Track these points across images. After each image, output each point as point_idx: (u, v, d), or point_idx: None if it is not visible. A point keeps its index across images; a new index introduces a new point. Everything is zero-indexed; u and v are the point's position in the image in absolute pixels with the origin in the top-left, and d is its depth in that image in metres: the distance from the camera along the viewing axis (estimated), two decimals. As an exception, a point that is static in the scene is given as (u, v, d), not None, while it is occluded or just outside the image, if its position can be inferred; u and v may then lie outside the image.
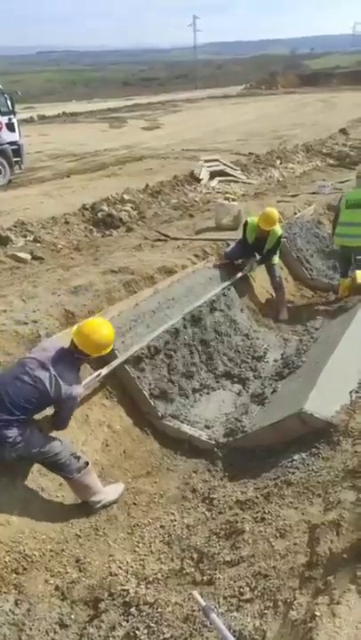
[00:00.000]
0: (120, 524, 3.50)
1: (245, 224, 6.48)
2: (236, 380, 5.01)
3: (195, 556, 2.96)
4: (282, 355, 5.42)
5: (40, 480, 3.53)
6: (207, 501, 3.53)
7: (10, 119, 16.87)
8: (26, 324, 4.44)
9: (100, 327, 3.40)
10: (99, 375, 4.08)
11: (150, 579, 2.93)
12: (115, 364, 4.20)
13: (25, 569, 3.10)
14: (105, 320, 3.57)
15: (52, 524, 3.41)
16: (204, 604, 1.96)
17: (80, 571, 3.14)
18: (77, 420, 4.03)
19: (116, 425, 4.26)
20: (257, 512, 2.99)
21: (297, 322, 6.43)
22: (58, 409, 3.43)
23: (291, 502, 2.92)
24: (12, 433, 3.12)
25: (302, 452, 3.41)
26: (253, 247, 6.44)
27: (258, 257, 6.52)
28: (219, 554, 2.81)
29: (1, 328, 4.27)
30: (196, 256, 6.47)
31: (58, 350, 3.37)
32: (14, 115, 17.28)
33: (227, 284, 5.96)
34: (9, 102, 16.84)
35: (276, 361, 5.33)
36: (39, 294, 5.16)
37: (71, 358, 3.35)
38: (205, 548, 2.94)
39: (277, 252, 6.48)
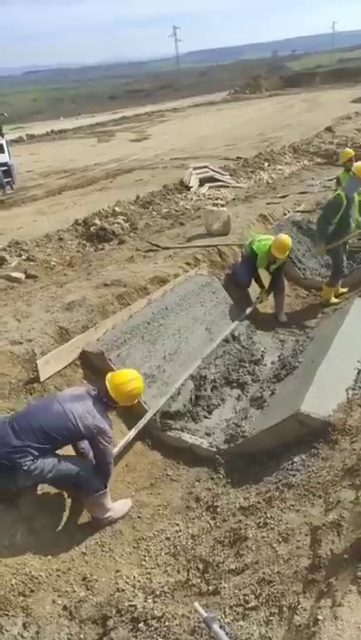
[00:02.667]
0: (125, 539, 3.48)
1: (252, 250, 6.23)
2: (234, 384, 5.00)
3: (200, 566, 2.94)
4: (279, 356, 5.42)
5: (42, 499, 3.51)
6: (211, 510, 3.51)
7: (-2, 141, 17.06)
8: (21, 343, 4.45)
9: (132, 379, 3.49)
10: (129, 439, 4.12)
11: (157, 592, 2.92)
12: (140, 424, 4.22)
13: (32, 590, 3.07)
14: (138, 374, 3.63)
15: (56, 542, 3.39)
16: (205, 615, 1.95)
17: (87, 589, 3.12)
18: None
19: (117, 439, 4.24)
20: (260, 517, 2.98)
21: (293, 322, 6.43)
22: (93, 449, 3.43)
23: (292, 505, 2.90)
24: (28, 461, 3.12)
25: (302, 453, 3.40)
26: (266, 270, 6.47)
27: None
28: (223, 562, 2.80)
29: (-3, 350, 4.28)
30: (187, 264, 6.49)
31: (88, 391, 3.49)
32: (2, 136, 17.50)
33: (243, 316, 6.02)
34: (-4, 125, 17.05)
35: (273, 363, 5.33)
36: (33, 313, 5.18)
37: (100, 401, 3.42)
38: (210, 558, 2.92)
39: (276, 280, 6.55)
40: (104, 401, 3.42)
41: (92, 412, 3.29)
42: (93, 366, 4.46)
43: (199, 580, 2.83)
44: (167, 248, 7.30)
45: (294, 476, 3.20)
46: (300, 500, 2.92)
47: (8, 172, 17.39)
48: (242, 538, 2.87)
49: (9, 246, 11.07)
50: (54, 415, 3.21)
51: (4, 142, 17.36)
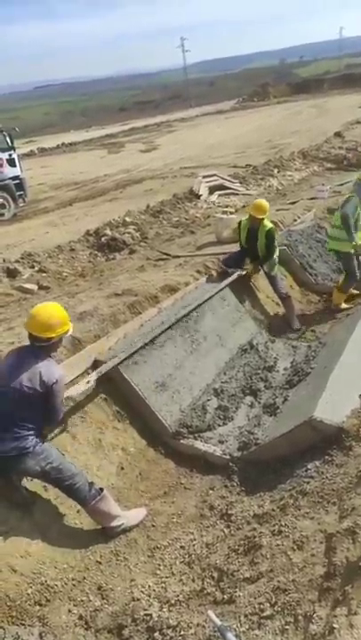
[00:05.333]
0: (140, 548, 3.48)
1: (238, 224, 6.55)
2: (247, 391, 4.98)
3: (215, 574, 2.93)
4: (291, 363, 5.39)
5: (57, 507, 3.53)
6: (225, 518, 3.50)
7: (10, 155, 17.31)
8: (34, 353, 4.50)
9: (46, 307, 3.37)
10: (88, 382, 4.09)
11: (172, 601, 2.91)
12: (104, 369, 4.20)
13: (48, 600, 3.08)
14: (51, 302, 3.54)
15: (71, 551, 3.40)
16: (219, 623, 1.95)
17: (102, 598, 3.12)
18: (91, 444, 4.06)
19: (130, 447, 4.26)
20: (274, 525, 2.96)
21: (305, 328, 6.41)
22: (49, 401, 3.27)
23: (307, 513, 2.88)
24: (30, 443, 3.18)
25: (316, 460, 3.38)
26: (249, 250, 6.46)
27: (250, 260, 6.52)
28: (238, 571, 2.78)
29: (9, 361, 4.33)
30: (198, 272, 6.52)
31: (18, 353, 3.36)
32: (14, 150, 17.73)
33: (222, 286, 5.95)
34: (8, 139, 17.31)
35: (286, 369, 5.30)
36: (46, 324, 5.22)
37: (34, 351, 3.28)
38: (225, 566, 2.91)
39: (274, 258, 6.43)
40: (38, 346, 3.26)
41: (37, 368, 3.17)
42: (106, 375, 4.48)
43: (214, 589, 2.81)
44: (177, 256, 7.34)
45: (308, 483, 3.17)
46: (314, 508, 2.89)
47: (20, 186, 17.60)
48: (256, 546, 2.86)
49: (22, 258, 11.21)
50: (14, 397, 3.15)
51: (15, 156, 17.59)
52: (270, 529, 2.95)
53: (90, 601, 3.11)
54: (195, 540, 3.41)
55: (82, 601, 3.11)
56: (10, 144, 17.35)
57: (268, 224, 6.33)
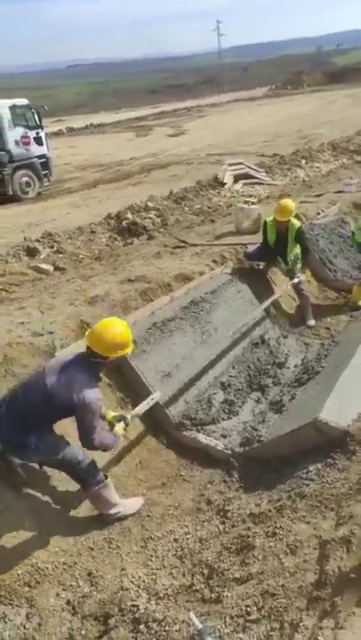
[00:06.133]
0: (133, 537, 3.46)
1: (265, 224, 6.37)
2: (255, 387, 4.90)
3: (205, 571, 2.89)
4: (302, 360, 5.28)
5: (55, 490, 3.52)
6: (222, 514, 3.45)
7: (37, 133, 17.27)
8: (42, 335, 4.49)
9: (113, 325, 3.16)
10: (152, 399, 3.97)
11: (161, 594, 2.88)
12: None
13: (37, 582, 3.09)
14: (120, 319, 3.36)
15: (65, 535, 3.40)
16: (200, 626, 1.90)
17: (92, 585, 3.11)
18: (92, 431, 4.03)
19: (131, 436, 4.23)
20: (269, 526, 2.89)
21: (320, 325, 6.27)
22: (77, 420, 3.17)
23: (303, 516, 2.81)
24: (33, 440, 3.14)
25: (318, 462, 3.29)
26: (276, 249, 6.30)
27: (283, 264, 6.36)
28: (229, 570, 2.74)
29: (18, 340, 4.32)
30: (214, 262, 6.40)
31: (72, 357, 3.25)
32: (42, 128, 17.69)
33: (264, 306, 5.85)
34: (36, 117, 17.26)
35: (296, 366, 5.20)
36: (57, 305, 5.21)
37: (86, 363, 3.15)
38: (216, 564, 2.86)
39: (308, 255, 6.28)
40: (91, 360, 3.11)
41: (73, 379, 3.03)
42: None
43: (203, 586, 2.77)
44: (195, 245, 7.23)
45: (308, 485, 3.09)
46: (311, 512, 2.82)
47: (46, 165, 17.59)
48: (249, 546, 2.80)
49: (42, 237, 11.24)
50: (37, 392, 3.07)
51: (42, 135, 17.55)
52: (265, 530, 2.88)
53: (79, 586, 3.11)
54: (189, 533, 3.38)
55: (71, 586, 3.11)
56: (38, 122, 17.30)
57: (296, 223, 6.17)
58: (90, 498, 3.45)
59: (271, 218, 6.27)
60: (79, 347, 4.31)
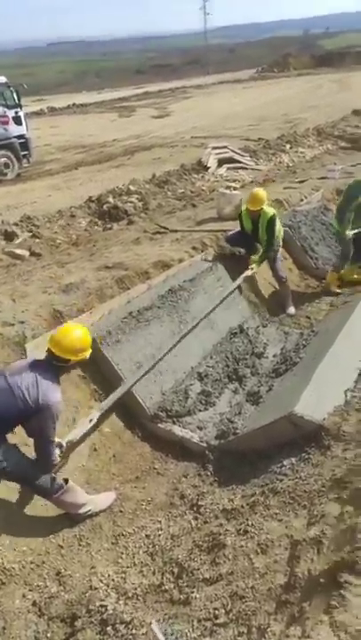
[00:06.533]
0: (104, 534, 3.38)
1: (240, 214, 6.26)
2: (233, 377, 4.81)
3: (175, 570, 2.81)
4: (281, 349, 5.20)
5: (22, 488, 3.41)
6: (195, 508, 3.38)
7: (16, 112, 16.76)
8: (12, 325, 4.33)
9: (73, 330, 3.24)
10: (91, 421, 3.83)
11: (130, 594, 2.81)
12: (105, 405, 3.98)
13: (3, 583, 2.99)
14: (80, 325, 3.42)
15: (34, 534, 3.30)
16: (162, 639, 1.82)
17: (60, 584, 3.03)
18: (64, 424, 3.91)
19: (105, 428, 4.13)
20: (241, 523, 2.82)
21: (300, 314, 6.20)
22: (36, 424, 3.06)
23: (275, 514, 2.74)
24: None
25: (292, 456, 3.23)
26: (253, 236, 6.19)
27: (261, 251, 6.24)
28: (198, 569, 2.66)
29: (-15, 330, 4.16)
30: (194, 248, 6.26)
31: (32, 360, 3.27)
32: (21, 108, 17.16)
33: (235, 285, 5.74)
34: (15, 95, 16.72)
35: (275, 356, 5.12)
36: (30, 293, 5.05)
37: (49, 366, 3.16)
38: (186, 562, 2.79)
39: (276, 240, 6.16)
40: (53, 364, 3.14)
41: (39, 382, 3.01)
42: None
43: (172, 586, 2.70)
44: (175, 231, 7.08)
45: (281, 481, 3.03)
46: (283, 509, 2.75)
47: (25, 145, 17.11)
48: (220, 544, 2.73)
49: (21, 221, 10.94)
50: (1, 393, 2.99)
51: (22, 114, 17.03)
52: (237, 527, 2.81)
53: (46, 587, 3.01)
54: (161, 529, 3.30)
55: (38, 586, 3.02)
56: (17, 101, 16.77)
57: (268, 211, 6.02)
58: (54, 504, 3.34)
59: (245, 207, 6.13)
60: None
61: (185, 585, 2.63)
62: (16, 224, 10.74)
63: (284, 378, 4.46)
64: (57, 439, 3.35)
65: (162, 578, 2.82)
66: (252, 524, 2.74)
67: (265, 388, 4.46)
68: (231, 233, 6.36)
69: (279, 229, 6.16)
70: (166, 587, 2.72)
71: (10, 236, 10.25)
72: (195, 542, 2.95)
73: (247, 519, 2.82)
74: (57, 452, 3.31)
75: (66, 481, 3.31)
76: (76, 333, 3.20)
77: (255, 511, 2.86)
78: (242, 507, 2.98)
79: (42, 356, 3.96)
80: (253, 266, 6.07)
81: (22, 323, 4.35)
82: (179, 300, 5.10)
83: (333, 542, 2.19)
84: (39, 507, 3.44)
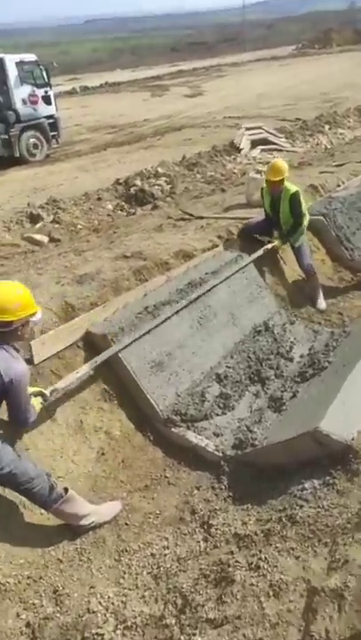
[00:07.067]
0: (107, 549, 3.14)
1: (261, 190, 5.85)
2: (255, 379, 4.48)
3: (179, 601, 2.55)
4: (309, 350, 4.82)
5: (21, 498, 3.20)
6: (205, 527, 3.10)
7: (46, 92, 16.49)
8: (21, 318, 4.10)
9: (6, 287, 2.90)
10: (78, 374, 3.62)
11: (129, 623, 2.57)
12: (99, 359, 3.75)
13: (-3, 599, 2.81)
14: (14, 282, 3.08)
15: (32, 545, 3.10)
16: None
17: (56, 604, 2.82)
18: (70, 426, 3.70)
19: (115, 431, 3.88)
20: (253, 555, 2.53)
21: (331, 310, 5.77)
22: (10, 401, 2.87)
23: (292, 549, 2.43)
24: None
25: (315, 478, 2.90)
26: (274, 218, 5.77)
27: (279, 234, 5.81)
28: (203, 606, 2.39)
29: (-8, 323, 3.94)
30: (219, 237, 5.89)
31: None
32: (50, 87, 16.86)
33: (252, 257, 5.33)
34: (45, 74, 16.40)
35: (302, 357, 4.75)
36: (43, 283, 4.81)
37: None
38: (191, 595, 2.52)
39: (302, 226, 5.72)
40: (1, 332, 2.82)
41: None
42: (97, 349, 4.05)
43: (174, 621, 2.44)
44: (200, 218, 6.71)
45: (301, 507, 2.71)
46: (302, 544, 2.44)
47: (54, 126, 16.85)
48: (229, 579, 2.45)
49: (46, 204, 10.79)
50: None
51: (51, 94, 16.74)
52: (248, 559, 2.52)
53: (42, 606, 2.81)
54: (168, 548, 3.05)
55: (33, 604, 2.82)
56: (46, 80, 16.47)
57: (291, 187, 5.58)
58: (53, 515, 3.11)
59: (265, 180, 5.74)
60: (60, 332, 3.96)
61: (187, 623, 2.37)
62: (42, 207, 10.58)
63: (310, 383, 4.10)
64: (38, 389, 3.28)
65: (164, 609, 2.57)
66: (266, 559, 2.44)
67: (289, 393, 4.12)
68: (253, 220, 5.94)
69: (303, 210, 5.69)
70: (168, 621, 2.46)
71: (35, 219, 10.09)
72: (202, 570, 2.68)
73: (260, 550, 2.53)
74: (39, 400, 3.19)
75: (66, 490, 3.09)
76: (10, 288, 2.87)
77: (270, 542, 2.56)
78: (256, 534, 2.68)
79: (47, 353, 3.79)
80: (276, 242, 5.66)
81: (31, 316, 4.11)
82: (199, 294, 4.77)
83: (358, 600, 1.87)
84: (38, 515, 3.23)
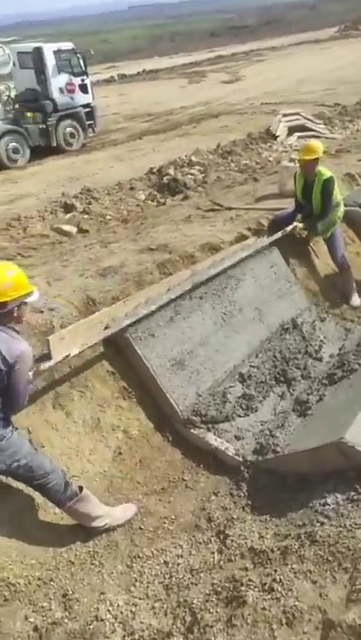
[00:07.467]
0: (120, 553, 3.06)
1: (295, 176, 5.58)
2: (281, 379, 4.28)
3: (188, 618, 2.43)
4: (340, 349, 4.58)
5: (35, 494, 3.14)
6: (221, 537, 2.97)
7: (83, 80, 16.42)
8: (42, 312, 4.04)
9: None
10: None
11: (136, 636, 2.48)
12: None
13: (6, 599, 2.77)
14: (6, 262, 2.99)
15: (45, 545, 3.05)
16: None
17: (65, 609, 2.75)
18: (87, 424, 3.62)
19: (133, 430, 3.78)
20: (268, 574, 2.38)
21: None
22: (13, 381, 2.74)
23: (310, 572, 2.26)
24: None
25: (339, 492, 2.71)
26: (307, 205, 5.48)
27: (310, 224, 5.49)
28: (212, 627, 2.26)
29: (12, 317, 3.89)
30: (249, 229, 5.65)
31: None
32: (87, 75, 16.79)
33: (268, 240, 5.08)
34: (82, 62, 16.31)
35: (331, 357, 4.51)
36: (66, 276, 4.75)
37: None
38: (200, 612, 2.40)
39: (335, 217, 5.41)
40: None
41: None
42: (117, 345, 3.95)
43: (182, 639, 2.32)
44: (230, 208, 6.48)
45: (322, 525, 2.53)
46: (320, 567, 2.27)
47: (91, 115, 16.77)
48: (240, 599, 2.30)
49: (80, 193, 10.79)
50: None
51: (88, 82, 16.67)
52: (262, 578, 2.37)
53: (51, 610, 2.75)
54: (182, 557, 2.93)
55: (42, 607, 2.76)
56: (83, 68, 16.40)
57: (325, 172, 5.27)
58: (66, 513, 3.04)
59: (298, 160, 5.49)
60: (79, 327, 3.87)
61: (194, 643, 2.25)
62: (75, 196, 10.58)
63: (338, 387, 3.87)
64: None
65: (173, 624, 2.46)
66: (281, 580, 2.28)
67: (315, 397, 3.90)
68: (283, 212, 5.67)
69: (338, 199, 5.38)
70: (175, 638, 2.34)
71: (69, 209, 10.10)
72: (214, 586, 2.54)
73: (275, 570, 2.37)
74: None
75: (80, 489, 3.02)
76: (3, 270, 2.74)
77: (286, 561, 2.40)
78: (272, 550, 2.53)
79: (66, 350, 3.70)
80: (300, 224, 5.36)
81: (52, 310, 4.05)
82: (224, 289, 4.59)
83: (377, 640, 1.69)
84: (52, 514, 3.17)
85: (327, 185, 5.21)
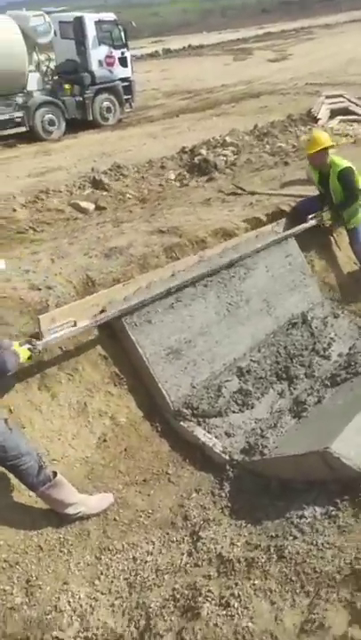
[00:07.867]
0: (90, 543, 2.97)
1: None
2: (283, 376, 4.07)
3: (142, 622, 2.33)
4: (350, 349, 4.32)
5: (9, 475, 3.08)
6: (194, 538, 2.84)
7: (123, 53, 16.12)
8: (39, 289, 3.95)
9: None
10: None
11: (89, 634, 2.40)
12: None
13: (-32, 580, 2.74)
14: None
15: (16, 527, 2.98)
16: None
17: (26, 595, 2.69)
18: (72, 408, 3.52)
19: (121, 418, 3.67)
20: (228, 587, 2.23)
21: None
22: None
23: (270, 590, 2.10)
24: None
25: (318, 505, 2.52)
26: (328, 197, 5.17)
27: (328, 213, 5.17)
28: (162, 637, 2.15)
29: (8, 293, 3.83)
30: (267, 215, 5.40)
31: None
32: (128, 48, 16.44)
33: (284, 234, 4.83)
34: (123, 35, 15.97)
35: (340, 356, 4.26)
36: (71, 254, 4.64)
37: None
38: (155, 618, 2.29)
39: (358, 207, 5.07)
40: None
41: None
42: (111, 329, 3.83)
43: (132, 645, 2.23)
44: (252, 193, 6.20)
45: (294, 539, 2.36)
46: (282, 586, 2.10)
47: (128, 89, 16.47)
48: (195, 611, 2.18)
49: (110, 169, 10.64)
50: None
51: (128, 56, 16.33)
52: (222, 591, 2.23)
53: (12, 594, 2.69)
54: (151, 554, 2.82)
55: (4, 591, 2.70)
56: (124, 41, 16.05)
57: (340, 163, 4.93)
58: (40, 497, 2.97)
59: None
60: (73, 308, 3.75)
61: (142, 652, 2.14)
62: (105, 172, 10.44)
63: (339, 390, 3.64)
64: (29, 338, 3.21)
65: (127, 626, 2.36)
66: (240, 596, 2.13)
67: (314, 397, 3.69)
68: (306, 198, 5.36)
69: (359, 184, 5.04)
70: (126, 643, 2.25)
71: (98, 184, 9.98)
72: (174, 591, 2.42)
73: (237, 583, 2.22)
74: (26, 347, 3.11)
75: (54, 474, 2.94)
76: None
77: (250, 575, 2.24)
78: (239, 561, 2.38)
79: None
80: (324, 215, 5.06)
81: (49, 288, 3.95)
82: (232, 278, 4.38)
83: None
84: (27, 497, 3.10)
85: (344, 176, 4.88)
